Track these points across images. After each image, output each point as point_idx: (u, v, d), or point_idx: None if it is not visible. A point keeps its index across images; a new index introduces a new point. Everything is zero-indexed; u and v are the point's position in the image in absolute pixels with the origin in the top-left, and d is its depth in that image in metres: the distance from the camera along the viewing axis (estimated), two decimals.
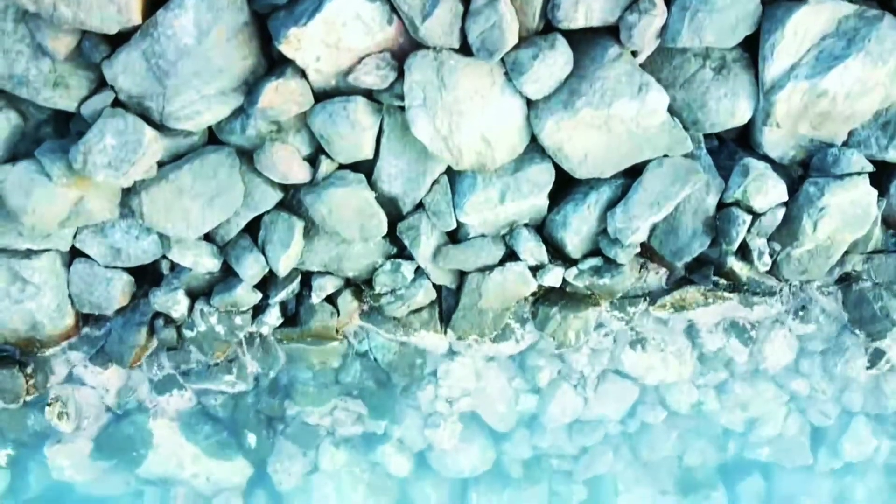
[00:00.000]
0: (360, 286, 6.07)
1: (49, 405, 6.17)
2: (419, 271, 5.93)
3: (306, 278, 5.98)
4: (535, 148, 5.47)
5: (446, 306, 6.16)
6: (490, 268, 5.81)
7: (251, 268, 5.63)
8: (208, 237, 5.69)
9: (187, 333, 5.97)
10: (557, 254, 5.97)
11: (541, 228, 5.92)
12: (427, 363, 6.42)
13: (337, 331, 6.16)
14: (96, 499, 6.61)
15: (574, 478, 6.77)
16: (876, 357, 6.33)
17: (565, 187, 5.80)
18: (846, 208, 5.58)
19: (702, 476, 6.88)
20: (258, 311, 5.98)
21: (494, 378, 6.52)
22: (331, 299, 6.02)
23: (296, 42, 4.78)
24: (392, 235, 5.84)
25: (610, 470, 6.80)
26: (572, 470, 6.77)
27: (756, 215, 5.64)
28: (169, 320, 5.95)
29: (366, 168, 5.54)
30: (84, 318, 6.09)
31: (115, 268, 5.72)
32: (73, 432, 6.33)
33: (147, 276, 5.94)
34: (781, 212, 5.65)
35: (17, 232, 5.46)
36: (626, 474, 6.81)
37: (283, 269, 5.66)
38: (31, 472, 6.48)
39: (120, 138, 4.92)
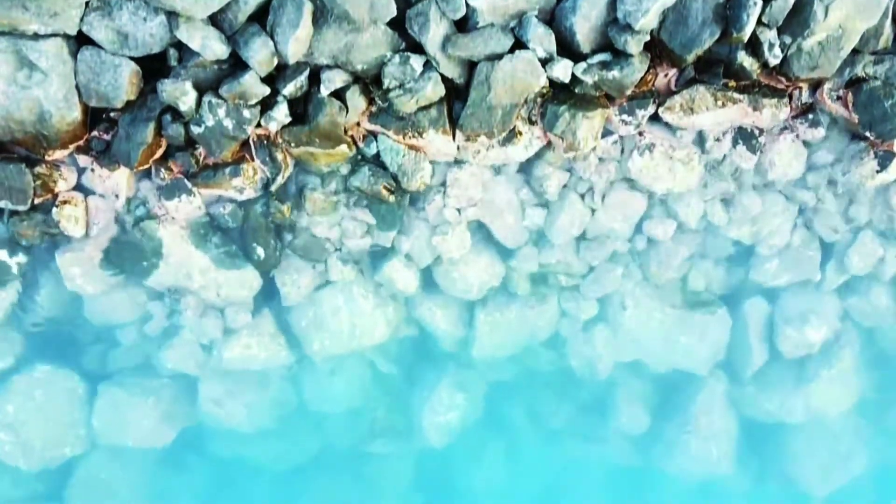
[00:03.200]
0: (368, 84, 6.04)
1: (57, 206, 6.16)
2: (428, 65, 5.89)
3: (315, 77, 5.94)
4: None
5: (455, 108, 6.14)
6: (499, 56, 5.78)
7: (260, 51, 5.59)
8: (216, 24, 5.65)
9: (195, 130, 5.93)
10: (567, 53, 5.93)
11: (550, 24, 5.88)
12: (436, 172, 6.40)
13: (345, 131, 6.14)
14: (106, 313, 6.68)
15: (582, 293, 6.79)
16: (886, 160, 6.30)
17: None
18: None
19: (709, 291, 6.91)
20: (267, 107, 5.94)
21: (502, 188, 6.51)
22: (339, 97, 5.99)
23: None
24: (401, 31, 5.81)
25: (618, 287, 6.82)
26: (580, 285, 6.79)
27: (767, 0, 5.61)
28: (177, 115, 5.92)
29: None
30: (92, 120, 6.06)
31: (122, 56, 5.68)
32: (82, 239, 6.33)
33: (155, 74, 5.90)
34: None
35: (23, 6, 5.41)
36: (634, 291, 6.83)
37: (292, 54, 5.63)
38: (43, 282, 6.50)
39: None
